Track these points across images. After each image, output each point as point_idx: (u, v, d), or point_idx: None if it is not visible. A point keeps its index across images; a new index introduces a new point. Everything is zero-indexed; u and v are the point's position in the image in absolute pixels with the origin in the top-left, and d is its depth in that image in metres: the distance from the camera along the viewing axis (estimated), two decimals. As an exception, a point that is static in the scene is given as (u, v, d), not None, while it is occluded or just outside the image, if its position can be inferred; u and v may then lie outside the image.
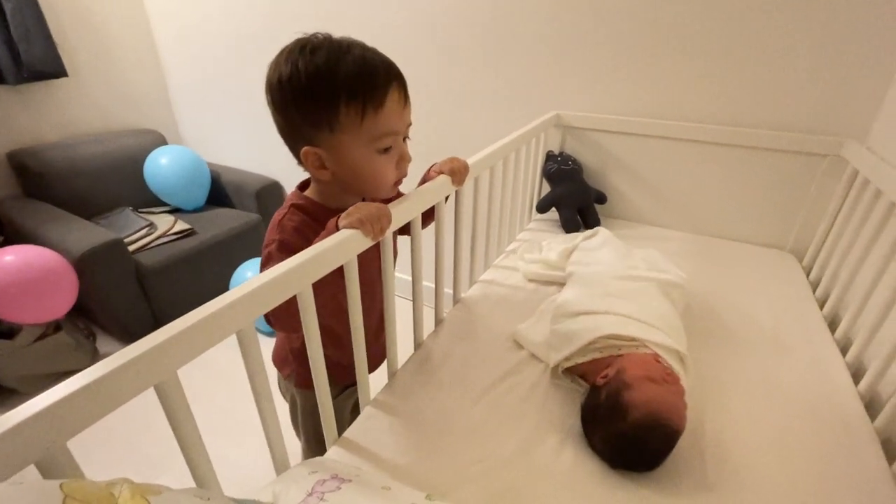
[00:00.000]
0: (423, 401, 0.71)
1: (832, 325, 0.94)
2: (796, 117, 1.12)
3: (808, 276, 1.12)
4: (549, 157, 1.37)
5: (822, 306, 0.99)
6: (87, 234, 1.53)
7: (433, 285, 0.87)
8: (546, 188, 1.38)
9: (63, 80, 1.86)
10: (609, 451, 0.61)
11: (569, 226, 1.31)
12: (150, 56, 2.14)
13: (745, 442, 0.66)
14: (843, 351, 0.86)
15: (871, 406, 0.73)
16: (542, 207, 1.37)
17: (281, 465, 0.55)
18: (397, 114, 0.60)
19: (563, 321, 0.78)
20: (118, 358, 0.35)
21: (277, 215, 0.63)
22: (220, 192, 2.11)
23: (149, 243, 1.72)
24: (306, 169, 0.62)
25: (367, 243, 0.58)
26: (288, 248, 0.58)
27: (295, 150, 0.61)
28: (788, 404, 0.73)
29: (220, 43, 1.93)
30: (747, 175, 1.21)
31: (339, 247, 0.55)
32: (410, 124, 0.64)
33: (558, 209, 1.34)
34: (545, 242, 1.13)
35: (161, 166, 1.93)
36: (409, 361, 0.79)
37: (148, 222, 1.82)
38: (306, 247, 0.55)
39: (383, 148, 0.60)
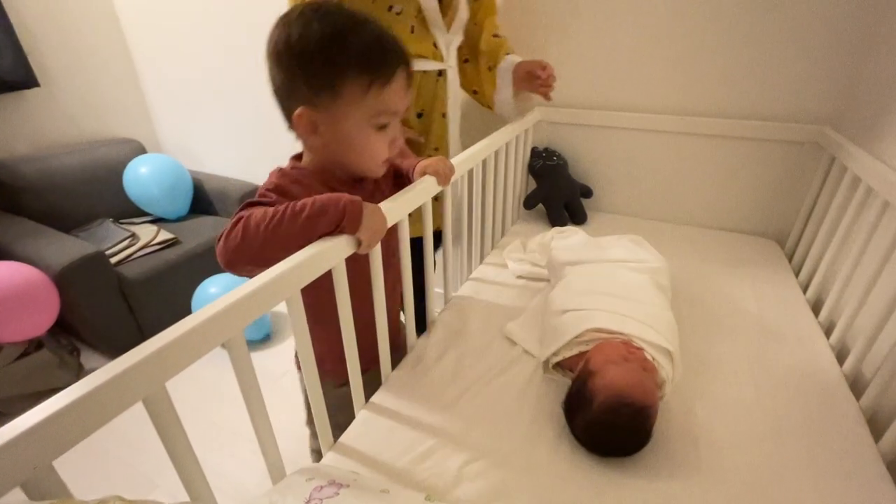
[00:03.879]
0: (418, 402, 0.71)
1: (815, 308, 0.96)
2: (774, 106, 1.14)
3: (790, 261, 1.14)
4: (535, 153, 1.37)
5: (805, 290, 1.01)
6: (66, 248, 1.49)
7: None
8: (533, 184, 1.38)
9: (34, 90, 1.81)
10: (588, 441, 0.62)
11: (556, 221, 1.31)
12: (124, 63, 2.10)
13: (736, 427, 0.67)
14: (827, 333, 0.88)
15: (856, 386, 0.75)
16: (529, 204, 1.37)
17: (276, 473, 0.54)
18: (400, 95, 0.61)
19: (552, 318, 0.78)
20: (103, 374, 0.34)
21: (275, 170, 0.64)
22: (203, 200, 2.08)
23: (131, 255, 1.68)
24: (297, 133, 0.61)
25: (353, 249, 0.58)
26: (287, 195, 0.59)
27: (288, 111, 0.60)
28: (776, 387, 0.74)
29: (197, 47, 1.90)
30: (729, 165, 1.23)
31: (328, 251, 0.54)
32: (408, 110, 0.65)
33: (545, 205, 1.35)
34: (529, 240, 1.13)
35: (141, 176, 1.90)
36: (403, 363, 0.79)
37: (129, 233, 1.79)
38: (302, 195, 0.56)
39: (380, 125, 0.60)
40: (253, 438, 0.51)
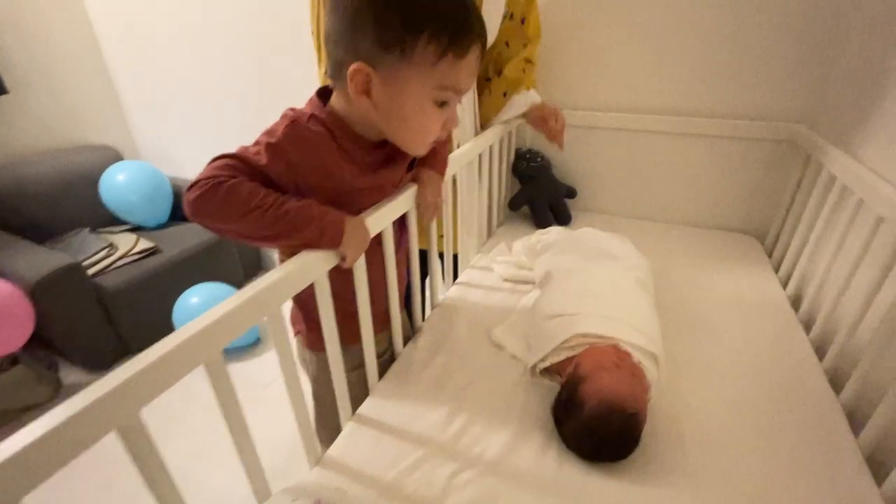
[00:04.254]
0: (405, 412, 0.70)
1: (795, 304, 0.98)
2: (752, 106, 1.16)
3: (770, 257, 1.16)
4: (519, 154, 1.37)
5: (785, 286, 1.03)
6: (41, 260, 1.45)
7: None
8: (517, 186, 1.38)
9: (3, 97, 1.75)
10: (578, 446, 0.62)
11: (541, 222, 1.32)
12: (97, 67, 2.04)
13: (720, 427, 0.68)
14: (807, 329, 0.89)
15: (836, 381, 0.76)
16: (514, 205, 1.37)
17: (262, 494, 0.53)
18: (470, 72, 0.55)
19: (539, 323, 0.78)
20: (69, 407, 0.32)
21: (292, 113, 0.57)
22: (183, 207, 2.04)
23: (110, 265, 1.64)
24: (342, 87, 0.55)
25: (335, 262, 0.57)
26: (282, 159, 0.54)
27: (338, 62, 0.53)
28: (758, 386, 0.75)
29: (174, 49, 1.86)
30: (709, 163, 1.24)
31: (309, 265, 0.53)
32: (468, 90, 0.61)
33: (530, 206, 1.36)
34: (515, 242, 1.13)
35: (119, 183, 1.85)
36: (390, 372, 0.78)
37: (108, 243, 1.74)
38: (307, 170, 0.54)
39: (441, 101, 0.55)
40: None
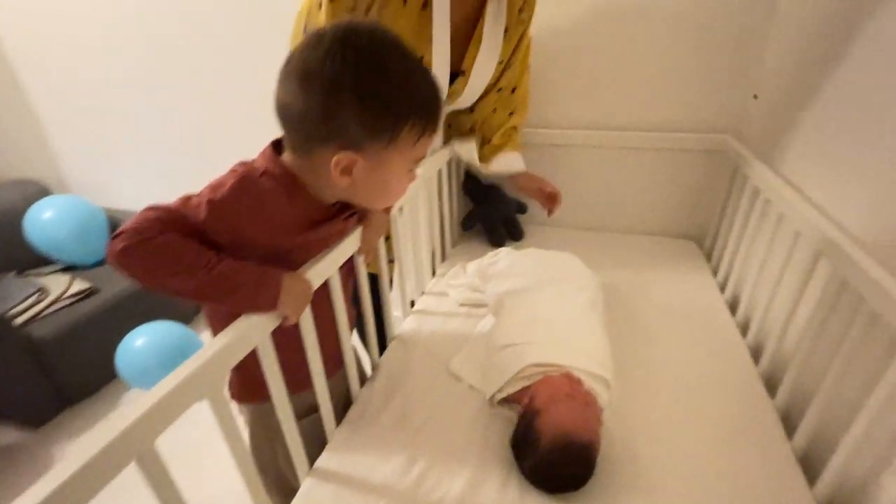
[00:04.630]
0: (365, 459, 0.69)
1: (733, 307, 1.04)
2: (684, 118, 1.23)
3: (709, 261, 1.23)
4: (469, 174, 1.39)
5: (723, 290, 1.10)
6: (-42, 315, 1.32)
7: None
8: (469, 205, 1.40)
9: None
10: (538, 480, 0.64)
11: (495, 240, 1.33)
12: (13, 96, 1.89)
13: (669, 440, 0.71)
14: (744, 332, 0.95)
15: (771, 385, 0.82)
16: (467, 225, 1.39)
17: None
18: (433, 139, 0.60)
19: (493, 354, 0.79)
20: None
21: (242, 169, 0.55)
22: (122, 240, 1.92)
23: (41, 311, 1.52)
24: (315, 168, 0.55)
25: (277, 323, 0.55)
26: (223, 217, 0.52)
27: (311, 143, 0.54)
28: (702, 395, 0.79)
29: (98, 73, 1.74)
30: (649, 174, 1.30)
31: (251, 330, 0.51)
32: None
33: (483, 225, 1.37)
34: (469, 264, 1.14)
35: (46, 220, 1.71)
36: (347, 418, 0.77)
37: (37, 287, 1.61)
38: (251, 227, 0.53)
39: (412, 168, 0.61)
40: None
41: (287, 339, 0.58)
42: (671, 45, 1.15)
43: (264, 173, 0.55)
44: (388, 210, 0.78)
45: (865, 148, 0.70)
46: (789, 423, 0.73)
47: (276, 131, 0.58)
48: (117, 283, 1.68)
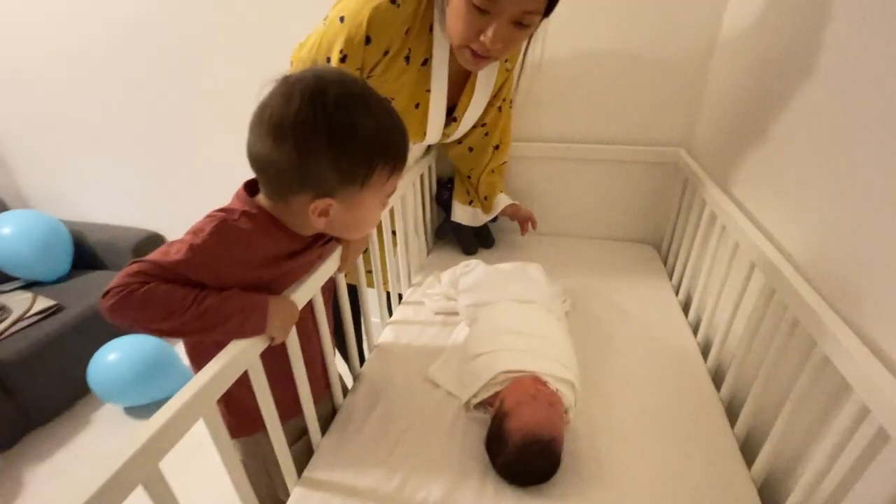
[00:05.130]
0: (350, 468, 0.73)
1: (686, 308, 1.13)
2: (639, 132, 1.32)
3: (665, 264, 1.33)
4: (441, 184, 1.44)
5: (677, 292, 1.19)
6: (-87, 339, 1.27)
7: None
8: (443, 214, 1.45)
9: None
10: (509, 475, 0.70)
11: (467, 248, 1.39)
12: (-37, 106, 1.81)
13: (629, 436, 0.78)
14: (695, 331, 1.05)
15: (717, 378, 0.91)
16: (441, 234, 1.44)
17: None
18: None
19: (467, 362, 0.85)
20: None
21: (221, 214, 0.58)
22: (87, 255, 1.87)
23: (3, 332, 1.47)
24: (292, 212, 0.59)
25: (266, 344, 0.59)
26: (205, 259, 0.55)
27: (286, 191, 0.57)
28: (658, 392, 0.87)
29: (50, 79, 1.68)
30: (609, 183, 1.39)
31: (242, 354, 0.55)
32: None
33: (455, 234, 1.43)
34: (443, 274, 1.19)
35: (4, 237, 1.66)
36: (332, 427, 0.80)
37: (-3, 306, 1.56)
38: (232, 266, 0.56)
39: (385, 201, 0.65)
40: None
41: (274, 371, 0.62)
42: (628, 67, 1.24)
43: (242, 214, 0.59)
44: None
45: (808, 177, 0.74)
46: (732, 413, 0.82)
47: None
48: (83, 300, 1.65)
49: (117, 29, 1.54)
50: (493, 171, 1.26)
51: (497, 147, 1.23)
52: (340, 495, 0.69)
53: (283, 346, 0.64)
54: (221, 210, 0.59)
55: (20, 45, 1.65)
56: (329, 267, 0.72)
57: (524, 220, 1.28)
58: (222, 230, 0.56)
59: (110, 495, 0.39)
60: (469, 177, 1.29)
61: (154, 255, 0.55)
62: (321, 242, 0.70)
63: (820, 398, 0.64)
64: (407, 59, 0.89)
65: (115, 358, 1.48)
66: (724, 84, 1.12)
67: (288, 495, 0.69)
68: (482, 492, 0.69)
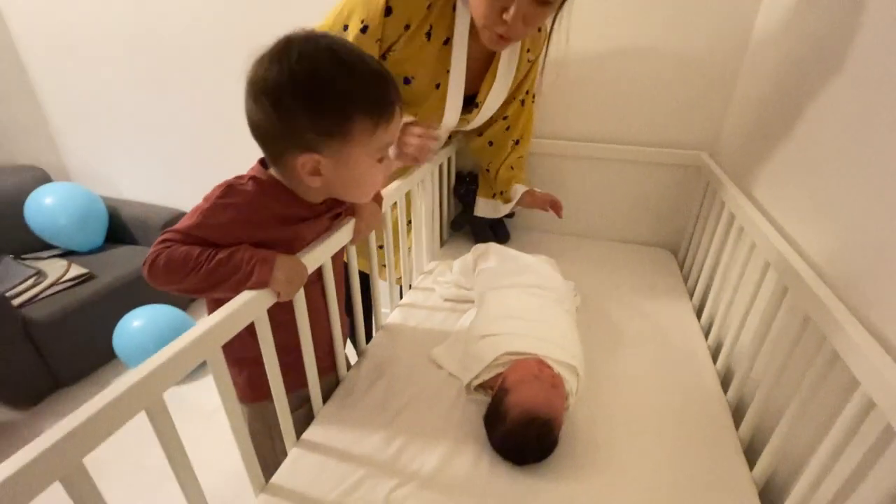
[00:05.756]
0: (348, 434, 0.75)
1: (699, 312, 1.11)
2: (663, 133, 1.30)
3: (682, 269, 1.31)
4: (459, 177, 1.45)
5: (691, 296, 1.17)
6: (-42, 293, 1.36)
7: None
8: (459, 207, 1.46)
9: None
10: (504, 450, 0.70)
11: (481, 241, 1.39)
12: (18, 83, 1.93)
13: (630, 429, 0.77)
14: (707, 335, 1.02)
15: (725, 382, 0.89)
16: (456, 226, 1.45)
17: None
18: (397, 125, 0.63)
19: (472, 343, 0.85)
20: (14, 462, 0.35)
21: (229, 180, 0.62)
22: (120, 229, 1.96)
23: (38, 294, 1.56)
24: (291, 175, 0.61)
25: (274, 299, 0.61)
26: (214, 220, 0.59)
27: (278, 153, 0.60)
28: (663, 389, 0.86)
29: (103, 65, 1.79)
30: (631, 185, 1.38)
31: (248, 306, 0.57)
32: None
33: (471, 226, 1.44)
34: (454, 262, 1.20)
35: (46, 206, 1.76)
36: (334, 396, 0.82)
37: (35, 270, 1.65)
38: (239, 226, 0.59)
39: (381, 157, 0.63)
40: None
41: (281, 340, 0.65)
42: (656, 69, 1.23)
43: (250, 179, 0.63)
44: (378, 201, 0.84)
45: (832, 179, 0.72)
46: (739, 418, 0.80)
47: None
48: (114, 271, 1.73)
49: (171, 29, 1.62)
50: (511, 167, 1.25)
51: (517, 142, 1.23)
52: (336, 459, 0.70)
53: (292, 318, 0.67)
54: (233, 178, 0.63)
55: (82, 37, 1.76)
56: (341, 237, 0.74)
57: (544, 204, 1.23)
58: (228, 192, 0.60)
59: (111, 417, 0.42)
60: (488, 170, 1.29)
61: (179, 224, 0.60)
62: (332, 213, 0.72)
63: (827, 400, 0.61)
64: (428, 35, 0.89)
65: (138, 325, 1.55)
66: (752, 87, 1.10)
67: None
68: (477, 466, 0.70)
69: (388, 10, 0.83)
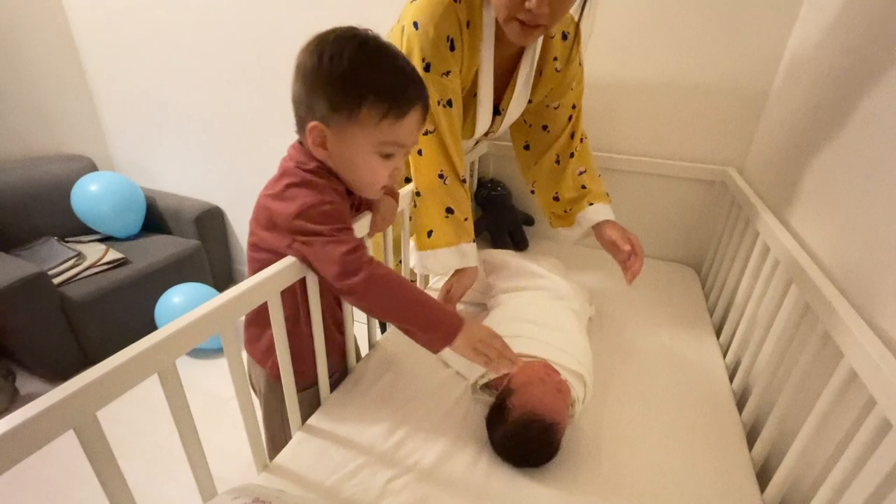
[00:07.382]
0: (352, 423, 0.76)
1: (718, 330, 1.08)
2: (689, 148, 1.28)
3: (704, 286, 1.27)
4: (481, 183, 1.47)
5: (712, 314, 1.14)
6: (5, 269, 1.46)
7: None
8: (479, 212, 1.47)
9: (-22, 105, 1.77)
10: (504, 450, 0.69)
11: (499, 247, 1.40)
12: (76, 78, 2.07)
13: (635, 442, 0.75)
14: (725, 353, 0.99)
15: (741, 402, 0.85)
16: (476, 230, 1.45)
17: (207, 494, 0.58)
18: (412, 130, 0.65)
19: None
20: (33, 407, 0.38)
21: (285, 164, 0.68)
22: (156, 219, 2.06)
23: (77, 275, 1.65)
24: (305, 142, 0.66)
25: (291, 280, 0.63)
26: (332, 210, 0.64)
27: (301, 120, 0.65)
28: (674, 404, 0.83)
29: (153, 60, 1.90)
30: (653, 199, 1.36)
31: (264, 285, 0.59)
32: (416, 143, 0.73)
33: (490, 232, 1.44)
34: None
35: (90, 193, 1.87)
36: (342, 385, 0.84)
37: (75, 252, 1.75)
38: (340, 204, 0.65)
39: (385, 153, 0.65)
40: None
41: (298, 340, 0.69)
42: (688, 85, 1.21)
43: (302, 170, 0.66)
44: (395, 197, 0.86)
45: (863, 200, 0.70)
46: (753, 438, 0.77)
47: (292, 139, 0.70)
48: (147, 258, 1.81)
49: (221, 33, 1.71)
50: (575, 184, 1.09)
51: (572, 154, 1.11)
52: (337, 445, 0.72)
53: (307, 313, 0.71)
54: (286, 174, 0.67)
55: (137, 34, 1.88)
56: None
57: (625, 258, 0.98)
58: (304, 182, 0.65)
59: (124, 375, 0.44)
60: (556, 198, 1.11)
61: (325, 230, 0.63)
62: (353, 204, 0.74)
63: (844, 422, 0.59)
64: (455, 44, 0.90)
65: (178, 301, 1.62)
66: (784, 105, 1.07)
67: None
68: (475, 465, 0.70)
69: (441, 38, 0.84)
